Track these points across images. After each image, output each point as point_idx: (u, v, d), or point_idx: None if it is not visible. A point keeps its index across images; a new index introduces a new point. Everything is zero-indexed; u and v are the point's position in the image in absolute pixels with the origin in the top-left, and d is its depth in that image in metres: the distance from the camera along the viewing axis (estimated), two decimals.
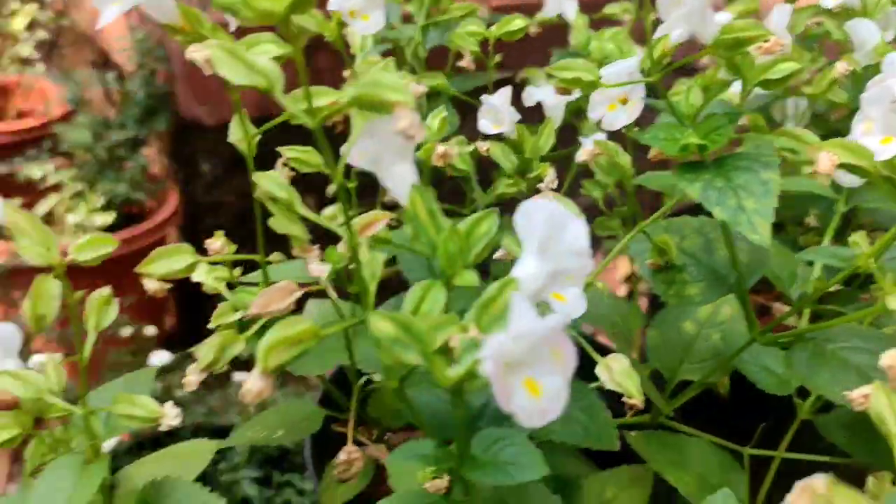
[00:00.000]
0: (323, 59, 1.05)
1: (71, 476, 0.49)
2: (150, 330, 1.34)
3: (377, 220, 0.47)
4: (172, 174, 1.91)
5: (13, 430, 0.54)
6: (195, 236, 2.02)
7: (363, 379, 0.58)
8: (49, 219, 1.75)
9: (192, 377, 0.46)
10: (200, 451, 0.65)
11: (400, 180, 0.36)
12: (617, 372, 0.49)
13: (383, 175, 0.36)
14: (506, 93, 0.60)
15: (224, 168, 1.89)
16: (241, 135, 0.44)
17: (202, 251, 0.56)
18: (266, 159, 0.52)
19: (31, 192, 1.75)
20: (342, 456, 0.53)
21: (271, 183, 0.39)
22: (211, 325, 0.52)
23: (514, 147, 0.60)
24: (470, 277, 0.37)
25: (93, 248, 0.46)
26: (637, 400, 0.48)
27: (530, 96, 0.67)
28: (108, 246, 0.46)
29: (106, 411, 0.50)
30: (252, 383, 0.32)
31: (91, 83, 1.90)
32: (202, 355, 0.46)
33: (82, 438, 0.59)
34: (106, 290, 0.52)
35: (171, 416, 0.46)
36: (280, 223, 0.41)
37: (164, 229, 1.74)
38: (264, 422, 0.60)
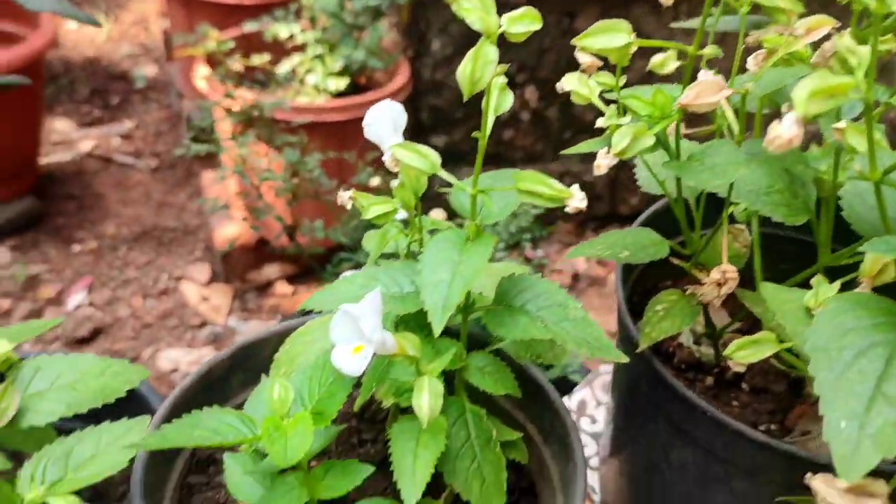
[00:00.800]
0: None
1: (455, 248, 0.51)
2: (375, 181, 1.39)
3: (824, 25, 0.44)
4: (403, 49, 1.93)
5: (393, 204, 0.57)
6: (416, 114, 2.07)
7: (732, 207, 0.56)
8: (290, 77, 1.83)
9: (603, 161, 0.46)
10: (513, 268, 0.67)
11: None
12: None
13: None
14: None
15: (454, 48, 1.90)
16: None
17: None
18: None
19: (276, 50, 1.83)
20: (715, 275, 0.52)
21: None
22: (602, 124, 0.52)
23: None
24: None
25: (523, 23, 0.46)
26: None
27: None
28: (536, 23, 0.46)
29: (496, 191, 0.51)
30: (785, 130, 0.31)
31: None
32: (616, 141, 0.46)
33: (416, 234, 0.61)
34: (502, 79, 0.52)
35: (577, 198, 0.46)
36: None
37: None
38: (606, 242, 0.60)
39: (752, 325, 0.77)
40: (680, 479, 0.68)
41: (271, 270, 1.87)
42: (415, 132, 1.94)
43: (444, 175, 0.52)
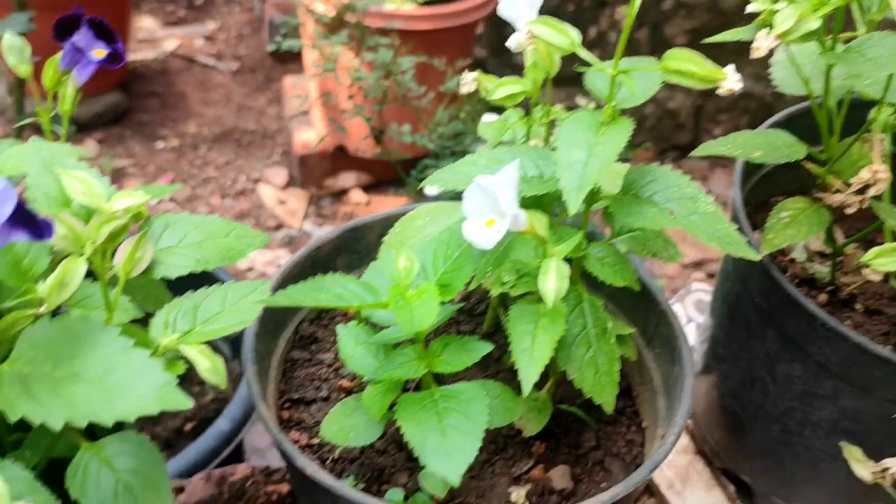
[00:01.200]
0: None
1: (590, 130, 0.49)
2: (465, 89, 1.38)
3: None
4: None
5: (522, 85, 0.55)
6: (499, 30, 2.01)
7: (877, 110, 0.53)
8: None
9: (764, 43, 0.44)
10: (623, 169, 0.65)
11: None
12: None
13: None
14: None
15: None
16: None
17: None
18: None
19: None
20: (865, 174, 0.50)
21: None
22: (754, 9, 0.49)
23: None
24: None
25: None
26: None
27: None
28: None
29: (638, 71, 0.49)
30: None
31: None
32: (779, 22, 0.43)
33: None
34: None
35: (732, 79, 0.44)
36: None
37: (477, 13, 1.73)
38: (735, 142, 0.58)
39: (867, 245, 0.74)
40: (783, 394, 0.67)
41: (347, 178, 1.87)
42: (496, 51, 1.90)
43: (584, 54, 0.50)
